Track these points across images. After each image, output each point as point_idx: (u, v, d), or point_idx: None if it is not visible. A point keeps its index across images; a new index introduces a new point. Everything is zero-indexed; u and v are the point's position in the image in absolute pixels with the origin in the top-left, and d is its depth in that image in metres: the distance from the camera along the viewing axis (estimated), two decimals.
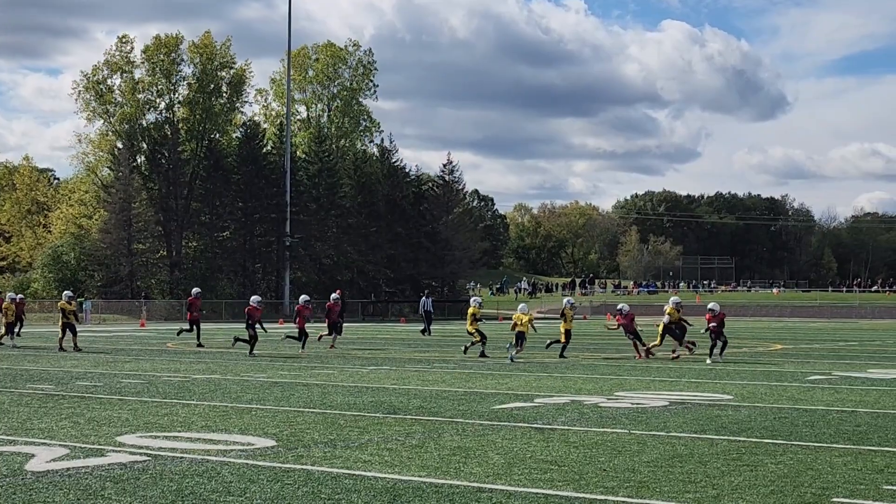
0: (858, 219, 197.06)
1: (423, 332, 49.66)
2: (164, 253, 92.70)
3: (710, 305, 32.45)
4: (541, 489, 10.09)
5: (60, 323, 35.57)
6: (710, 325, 30.71)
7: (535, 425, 14.96)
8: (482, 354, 31.70)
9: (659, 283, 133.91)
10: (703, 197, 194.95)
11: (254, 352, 32.65)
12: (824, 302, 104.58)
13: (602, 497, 9.76)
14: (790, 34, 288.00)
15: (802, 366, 28.34)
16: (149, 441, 13.29)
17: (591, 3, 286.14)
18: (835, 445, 13.13)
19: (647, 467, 11.37)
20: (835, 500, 9.66)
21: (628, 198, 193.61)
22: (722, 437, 13.79)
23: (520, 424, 15.06)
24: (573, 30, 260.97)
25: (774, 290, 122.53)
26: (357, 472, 10.95)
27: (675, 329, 31.21)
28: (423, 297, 54.11)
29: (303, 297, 36.94)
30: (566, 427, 14.78)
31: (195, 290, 40.65)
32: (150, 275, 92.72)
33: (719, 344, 30.46)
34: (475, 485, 10.30)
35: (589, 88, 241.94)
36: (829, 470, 11.27)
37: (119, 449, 12.59)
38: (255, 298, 34.80)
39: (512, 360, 29.69)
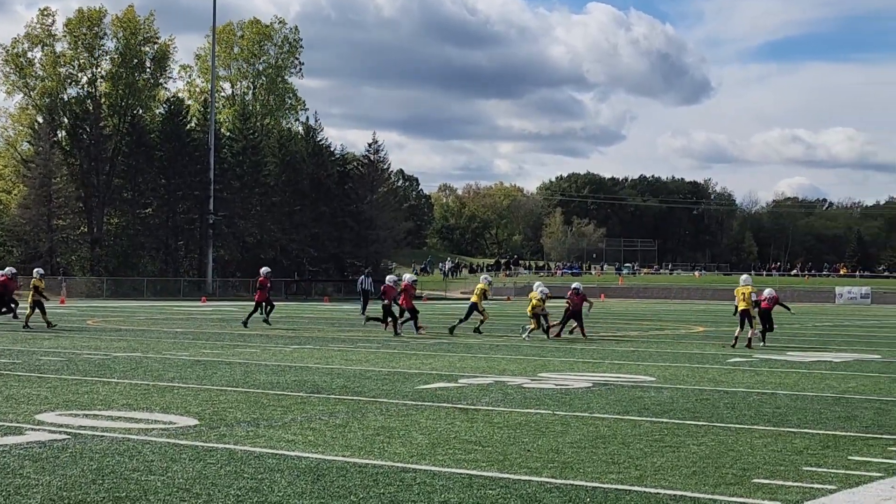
0: (779, 203, 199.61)
1: (362, 313, 49.04)
2: (85, 229, 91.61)
3: (574, 285, 33.03)
4: (465, 469, 10.08)
5: (31, 300, 34.69)
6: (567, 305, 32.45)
7: (459, 406, 14.96)
8: (476, 330, 33.31)
9: (583, 265, 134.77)
10: (627, 180, 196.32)
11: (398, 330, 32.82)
12: None
13: (526, 477, 9.76)
14: (714, 19, 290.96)
15: (724, 348, 28.61)
16: (69, 419, 13.10)
17: None
18: (755, 427, 13.26)
19: (570, 448, 11.40)
20: (755, 480, 9.75)
21: (553, 179, 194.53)
22: (645, 419, 13.88)
23: (444, 405, 15.05)
24: (500, 11, 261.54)
25: (696, 273, 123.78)
26: (280, 452, 10.88)
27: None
28: (363, 276, 53.89)
29: (264, 269, 37.02)
30: (490, 408, 14.78)
31: (265, 269, 39.19)
32: (71, 251, 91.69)
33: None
34: (399, 465, 10.27)
35: (515, 70, 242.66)
36: (749, 451, 11.37)
37: (38, 427, 12.39)
38: (390, 278, 34.62)
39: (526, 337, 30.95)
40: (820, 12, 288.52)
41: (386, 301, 33.39)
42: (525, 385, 17.93)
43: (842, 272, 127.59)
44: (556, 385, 17.98)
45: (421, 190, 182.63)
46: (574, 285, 33.09)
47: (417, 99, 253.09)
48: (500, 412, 14.33)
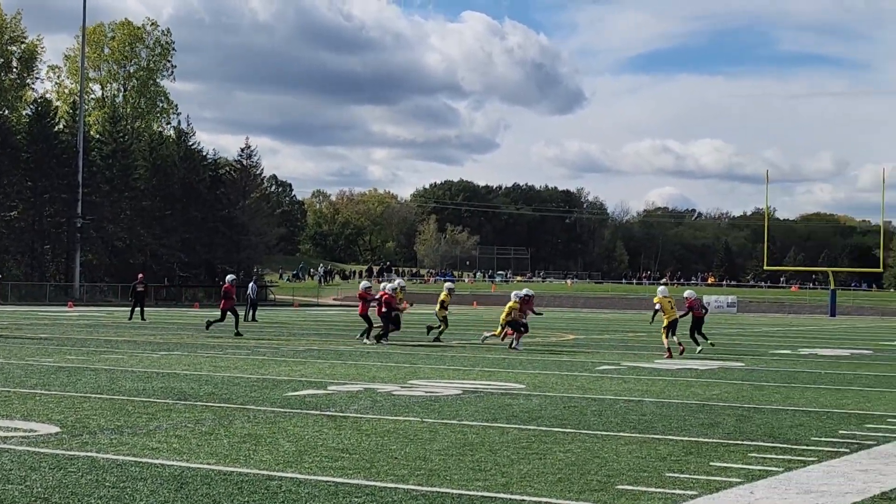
0: (650, 213, 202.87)
1: (246, 318, 48.47)
2: None
3: (446, 284, 33.60)
4: (331, 477, 10.01)
5: None
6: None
7: (327, 413, 14.87)
8: (436, 339, 33.38)
9: (456, 272, 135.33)
10: (500, 188, 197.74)
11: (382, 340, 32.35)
12: (616, 293, 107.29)
13: (392, 485, 9.73)
14: (588, 30, 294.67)
15: (593, 356, 28.94)
16: None
17: None
18: (621, 434, 13.40)
19: (438, 455, 11.40)
20: (619, 486, 9.85)
21: (427, 187, 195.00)
22: (513, 426, 13.94)
23: (312, 412, 14.95)
24: (375, 17, 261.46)
25: (568, 281, 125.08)
26: (144, 460, 10.69)
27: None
28: (252, 283, 53.56)
29: (230, 277, 36.57)
30: (359, 415, 14.73)
31: (230, 276, 38.42)
32: None
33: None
34: (265, 472, 10.17)
35: (390, 76, 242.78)
36: (614, 458, 11.49)
37: None
38: (390, 286, 34.13)
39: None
40: (690, 26, 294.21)
41: (385, 310, 32.99)
42: (395, 392, 17.90)
43: (709, 281, 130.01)
44: (426, 392, 17.99)
45: (294, 196, 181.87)
46: (525, 291, 33.07)
47: (291, 104, 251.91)
48: (368, 419, 14.28)
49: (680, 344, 29.60)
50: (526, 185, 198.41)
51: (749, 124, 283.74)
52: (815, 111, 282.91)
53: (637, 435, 13.32)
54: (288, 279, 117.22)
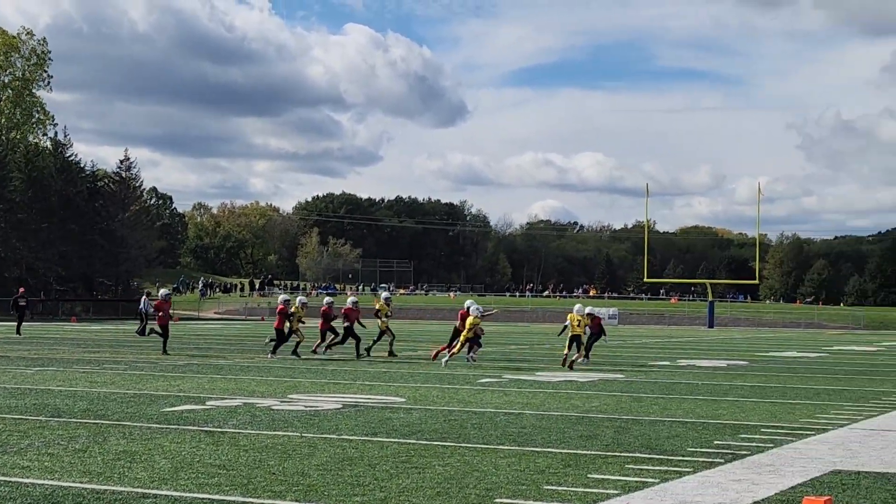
0: (532, 226, 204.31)
1: (137, 332, 47.07)
2: None
3: (325, 300, 33.75)
4: (207, 494, 9.87)
5: None
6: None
7: (205, 428, 14.68)
8: (362, 353, 33.20)
9: (338, 285, 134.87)
10: (383, 200, 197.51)
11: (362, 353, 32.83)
12: (498, 306, 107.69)
13: (270, 501, 9.63)
14: (471, 44, 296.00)
15: (475, 369, 28.98)
16: None
17: (276, 2, 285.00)
18: (501, 447, 13.43)
19: (316, 470, 11.31)
20: (497, 500, 9.85)
21: (309, 199, 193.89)
22: (392, 440, 13.90)
23: (189, 428, 14.74)
24: (257, 29, 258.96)
25: (451, 294, 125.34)
26: (14, 479, 10.43)
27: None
28: (144, 297, 52.74)
29: (163, 291, 35.77)
30: (237, 430, 14.57)
31: (164, 291, 37.37)
32: None
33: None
34: (139, 490, 9.99)
35: (272, 88, 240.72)
36: (493, 471, 11.50)
37: None
38: (351, 300, 34.19)
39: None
40: (571, 41, 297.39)
41: (348, 323, 33.06)
42: (274, 407, 17.74)
43: (591, 293, 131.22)
44: (306, 407, 17.86)
45: (175, 208, 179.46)
46: (467, 303, 32.87)
47: (172, 116, 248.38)
48: (246, 435, 14.12)
49: (571, 361, 29.73)
50: (409, 197, 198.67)
51: (629, 138, 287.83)
52: (693, 126, 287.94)
53: (516, 448, 13.36)
54: (167, 293, 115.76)
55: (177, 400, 18.77)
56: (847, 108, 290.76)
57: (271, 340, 32.54)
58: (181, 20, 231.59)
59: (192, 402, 18.26)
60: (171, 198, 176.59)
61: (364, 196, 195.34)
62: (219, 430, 14.60)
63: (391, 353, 33.64)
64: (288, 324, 32.28)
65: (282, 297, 34.55)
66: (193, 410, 16.99)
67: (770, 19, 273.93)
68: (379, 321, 34.13)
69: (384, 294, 36.82)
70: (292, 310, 32.72)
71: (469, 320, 30.62)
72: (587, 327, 30.61)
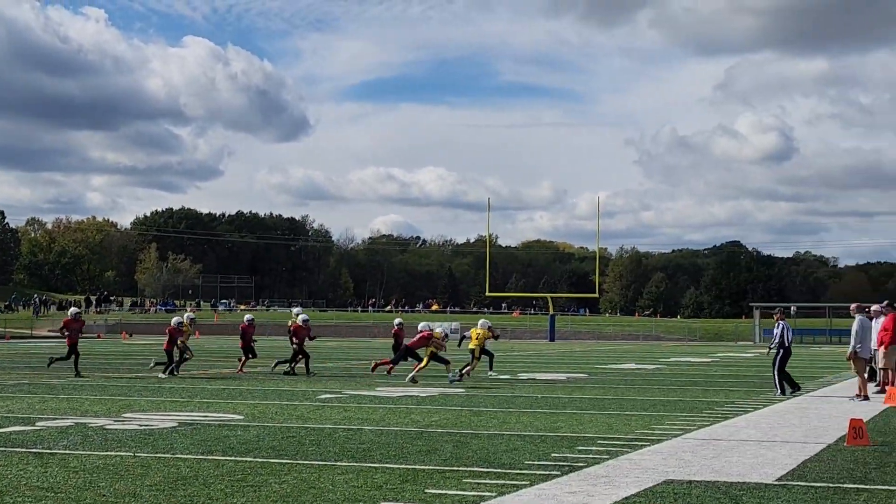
0: (375, 240, 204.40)
1: None
2: None
3: (246, 317, 33.42)
4: None
5: None
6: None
7: (33, 450, 14.24)
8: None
9: (178, 301, 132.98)
10: (224, 215, 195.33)
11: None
12: (341, 321, 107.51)
13: None
14: (312, 58, 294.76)
15: (314, 384, 28.80)
16: None
17: (113, 14, 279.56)
18: (339, 463, 13.32)
19: (149, 491, 11.05)
20: None
21: (148, 214, 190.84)
22: (229, 458, 13.67)
23: (17, 450, 14.29)
24: (93, 40, 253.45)
25: (293, 310, 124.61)
26: None
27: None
28: None
29: (72, 309, 34.35)
30: (67, 451, 14.17)
31: (74, 309, 36.03)
32: None
33: None
34: None
35: (109, 101, 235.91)
36: (330, 488, 11.38)
37: None
38: (302, 317, 34.37)
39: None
40: (413, 55, 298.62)
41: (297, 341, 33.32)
42: (107, 426, 17.32)
43: (434, 308, 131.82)
44: (140, 426, 17.49)
45: (7, 224, 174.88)
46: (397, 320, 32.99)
47: (3, 128, 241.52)
48: (77, 455, 13.74)
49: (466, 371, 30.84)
50: (250, 212, 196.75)
51: (472, 153, 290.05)
52: (535, 141, 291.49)
53: (355, 464, 13.26)
54: (0, 310, 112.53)
55: (4, 421, 18.20)
56: (682, 124, 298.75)
57: (157, 364, 32.34)
58: (13, 31, 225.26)
59: (21, 424, 17.72)
60: (3, 213, 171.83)
61: (204, 211, 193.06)
62: (48, 451, 14.19)
63: (308, 372, 33.63)
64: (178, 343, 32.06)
65: (175, 319, 33.78)
66: (22, 431, 16.49)
67: (608, 37, 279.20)
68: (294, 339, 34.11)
69: (297, 310, 36.73)
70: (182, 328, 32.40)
71: (479, 333, 32.42)
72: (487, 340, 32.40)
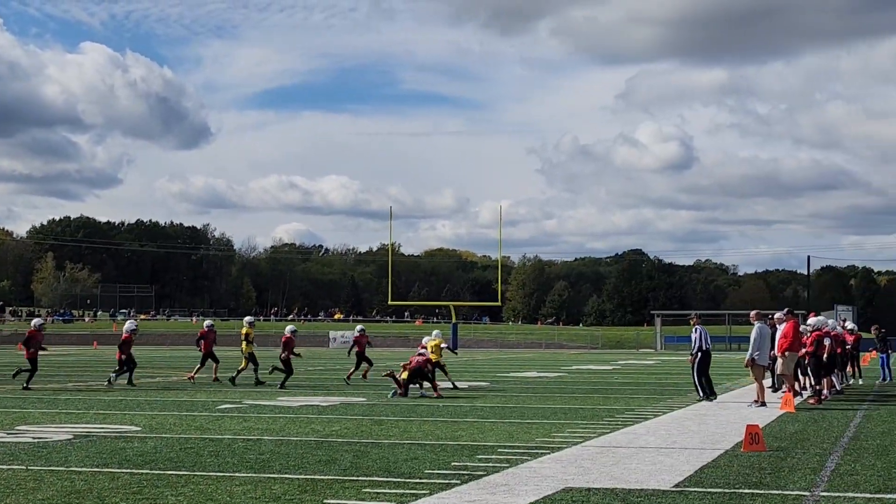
0: (277, 249, 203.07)
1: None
2: None
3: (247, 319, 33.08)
4: None
5: None
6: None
7: None
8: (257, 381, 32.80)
9: (76, 311, 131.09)
10: (123, 224, 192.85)
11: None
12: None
13: None
14: (213, 65, 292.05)
15: (214, 395, 28.51)
16: None
17: (8, 19, 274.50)
18: (237, 474, 13.17)
19: None
20: None
21: (45, 223, 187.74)
22: (125, 471, 13.46)
23: None
24: None
25: (193, 319, 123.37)
26: None
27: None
28: None
29: (36, 321, 33.11)
30: None
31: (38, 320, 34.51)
32: None
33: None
34: None
35: (5, 108, 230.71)
36: (228, 499, 11.26)
37: None
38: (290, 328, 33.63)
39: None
40: (315, 63, 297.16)
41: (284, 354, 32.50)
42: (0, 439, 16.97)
43: (336, 317, 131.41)
44: (34, 438, 17.15)
45: None
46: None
47: None
48: None
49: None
50: (150, 221, 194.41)
51: (374, 161, 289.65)
52: (437, 149, 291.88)
53: (253, 475, 13.13)
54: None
55: None
56: (584, 133, 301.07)
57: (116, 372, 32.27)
58: None
59: None
60: None
61: (103, 219, 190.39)
62: None
63: (258, 381, 33.24)
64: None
65: (36, 321, 33.04)
66: None
67: (509, 46, 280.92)
68: (245, 346, 34.16)
69: (248, 318, 36.24)
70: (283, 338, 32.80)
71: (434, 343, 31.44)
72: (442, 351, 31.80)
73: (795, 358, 26.43)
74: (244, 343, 34.34)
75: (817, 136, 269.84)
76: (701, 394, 26.48)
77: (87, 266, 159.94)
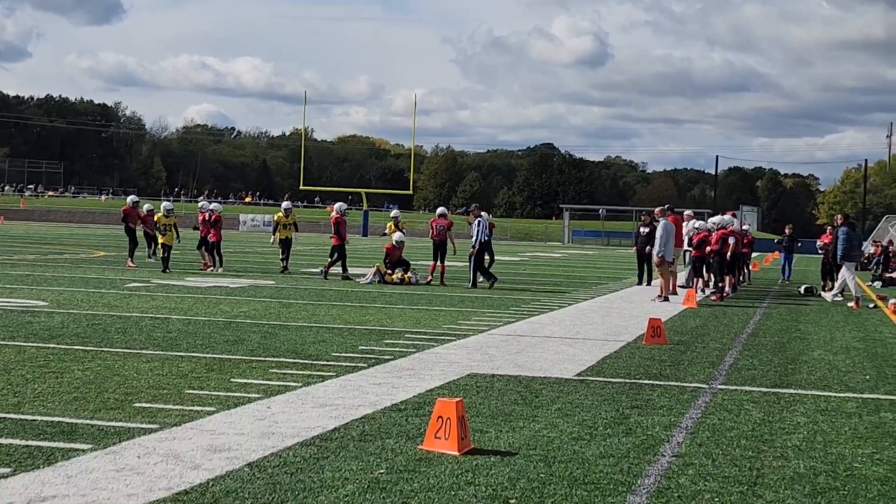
0: (189, 130, 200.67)
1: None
2: None
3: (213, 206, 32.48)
4: None
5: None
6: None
7: None
8: None
9: None
10: (32, 99, 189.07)
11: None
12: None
13: None
14: None
15: (122, 273, 28.40)
16: None
17: None
18: (144, 351, 13.23)
19: None
20: (136, 404, 9.71)
21: None
22: (31, 344, 13.46)
23: None
24: None
25: (102, 197, 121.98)
26: None
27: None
28: None
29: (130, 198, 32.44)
30: None
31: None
32: None
33: None
34: None
35: None
36: (135, 375, 11.33)
37: None
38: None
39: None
40: None
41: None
42: None
43: (247, 200, 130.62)
44: None
45: None
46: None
47: None
48: None
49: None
50: (60, 97, 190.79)
51: (288, 44, 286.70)
52: (353, 35, 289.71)
53: (160, 352, 13.20)
54: None
55: None
56: (499, 25, 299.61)
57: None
58: None
59: None
60: None
61: (12, 94, 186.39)
62: None
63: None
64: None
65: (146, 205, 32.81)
66: None
67: None
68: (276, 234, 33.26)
69: (286, 204, 34.89)
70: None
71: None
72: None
73: (679, 253, 27.98)
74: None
75: (731, 36, 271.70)
76: (471, 284, 27.81)
77: None
